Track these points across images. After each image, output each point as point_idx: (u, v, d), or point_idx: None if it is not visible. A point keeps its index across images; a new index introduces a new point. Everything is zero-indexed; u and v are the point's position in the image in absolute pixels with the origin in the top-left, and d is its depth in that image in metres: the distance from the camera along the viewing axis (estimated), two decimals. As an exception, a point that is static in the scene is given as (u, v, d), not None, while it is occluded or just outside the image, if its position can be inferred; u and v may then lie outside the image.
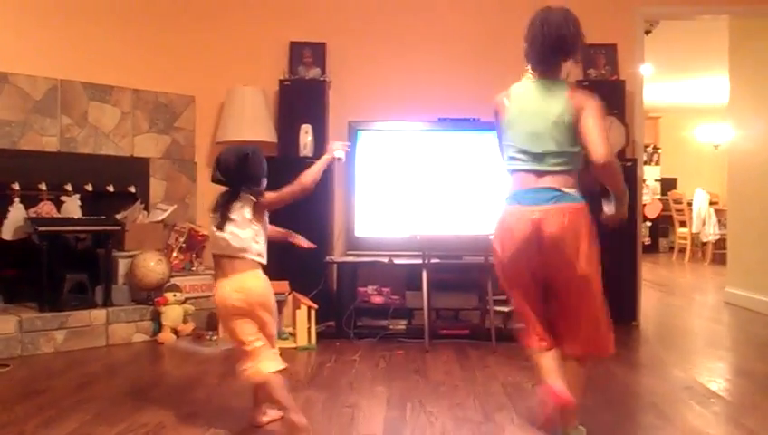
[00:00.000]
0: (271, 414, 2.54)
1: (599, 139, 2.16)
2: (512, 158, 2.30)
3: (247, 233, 2.43)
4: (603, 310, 2.27)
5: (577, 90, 2.30)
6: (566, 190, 2.21)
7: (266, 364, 2.35)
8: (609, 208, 2.30)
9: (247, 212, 2.42)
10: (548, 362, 2.27)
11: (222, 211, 2.42)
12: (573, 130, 2.22)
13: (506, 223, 2.28)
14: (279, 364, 2.38)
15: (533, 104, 2.28)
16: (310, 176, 2.51)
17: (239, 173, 2.44)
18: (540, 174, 2.23)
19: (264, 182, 2.52)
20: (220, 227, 2.41)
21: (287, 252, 4.26)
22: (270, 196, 2.48)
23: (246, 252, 2.42)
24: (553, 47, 2.26)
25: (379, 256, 4.25)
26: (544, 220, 2.18)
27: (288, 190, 2.50)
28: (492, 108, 2.40)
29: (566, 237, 2.18)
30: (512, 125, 2.31)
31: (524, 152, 2.26)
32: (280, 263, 4.24)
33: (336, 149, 2.67)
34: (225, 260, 2.44)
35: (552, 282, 2.28)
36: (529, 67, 2.33)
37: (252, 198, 2.44)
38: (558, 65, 2.31)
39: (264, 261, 2.48)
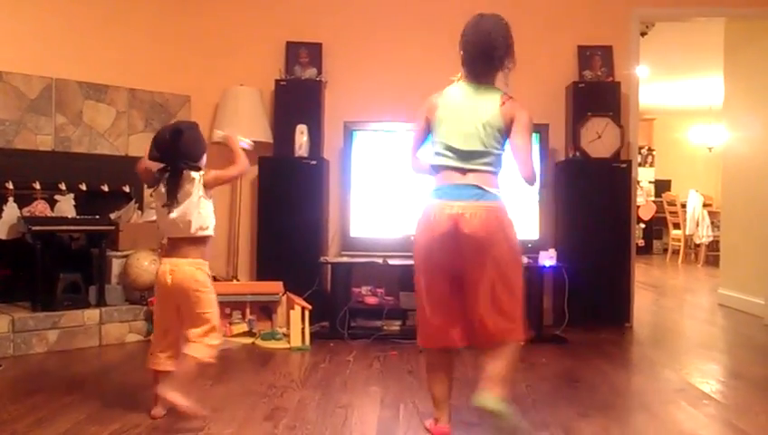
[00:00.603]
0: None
1: (526, 160, 2.32)
2: (438, 154, 2.37)
3: (206, 210, 2.54)
4: (518, 306, 2.31)
5: (509, 99, 2.36)
6: (488, 189, 2.29)
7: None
8: None
9: (200, 190, 2.51)
10: (435, 362, 2.43)
11: (170, 194, 2.48)
12: (501, 135, 2.32)
13: (426, 216, 2.34)
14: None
15: (466, 104, 2.35)
16: (244, 160, 2.66)
17: (174, 150, 2.49)
18: (464, 171, 2.31)
19: (204, 160, 2.59)
20: (171, 210, 2.47)
21: (282, 252, 4.30)
22: (213, 174, 2.57)
23: (203, 229, 2.53)
24: (483, 53, 2.33)
25: (373, 257, 4.26)
26: (463, 216, 2.24)
27: (230, 173, 2.66)
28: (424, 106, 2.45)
29: (484, 234, 2.23)
30: (442, 122, 2.37)
31: (451, 149, 2.33)
32: (274, 263, 4.32)
33: (241, 139, 2.78)
34: (182, 242, 2.52)
35: (466, 277, 2.30)
36: (462, 73, 2.41)
37: (197, 175, 2.51)
38: (491, 72, 2.37)
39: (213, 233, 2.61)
